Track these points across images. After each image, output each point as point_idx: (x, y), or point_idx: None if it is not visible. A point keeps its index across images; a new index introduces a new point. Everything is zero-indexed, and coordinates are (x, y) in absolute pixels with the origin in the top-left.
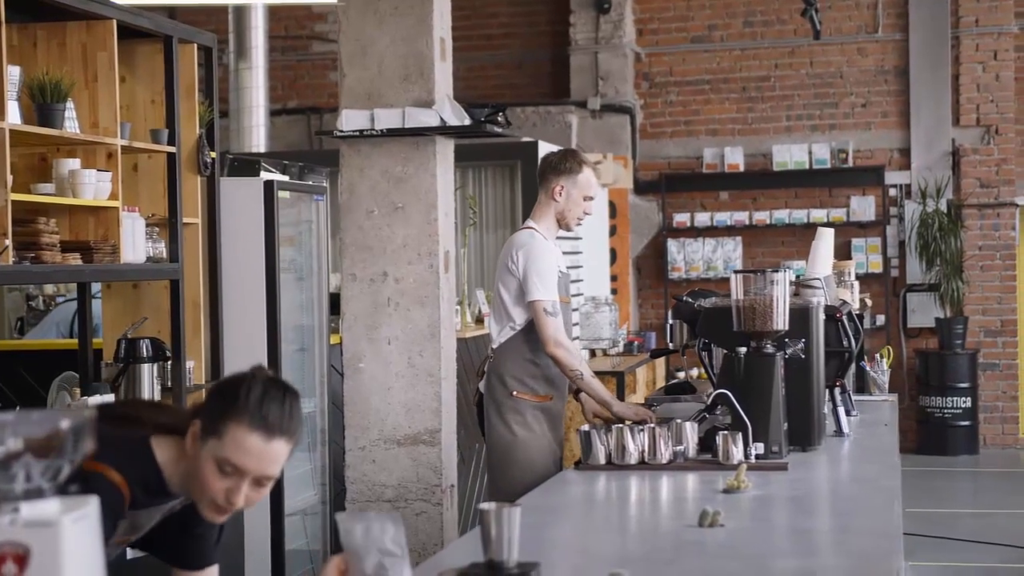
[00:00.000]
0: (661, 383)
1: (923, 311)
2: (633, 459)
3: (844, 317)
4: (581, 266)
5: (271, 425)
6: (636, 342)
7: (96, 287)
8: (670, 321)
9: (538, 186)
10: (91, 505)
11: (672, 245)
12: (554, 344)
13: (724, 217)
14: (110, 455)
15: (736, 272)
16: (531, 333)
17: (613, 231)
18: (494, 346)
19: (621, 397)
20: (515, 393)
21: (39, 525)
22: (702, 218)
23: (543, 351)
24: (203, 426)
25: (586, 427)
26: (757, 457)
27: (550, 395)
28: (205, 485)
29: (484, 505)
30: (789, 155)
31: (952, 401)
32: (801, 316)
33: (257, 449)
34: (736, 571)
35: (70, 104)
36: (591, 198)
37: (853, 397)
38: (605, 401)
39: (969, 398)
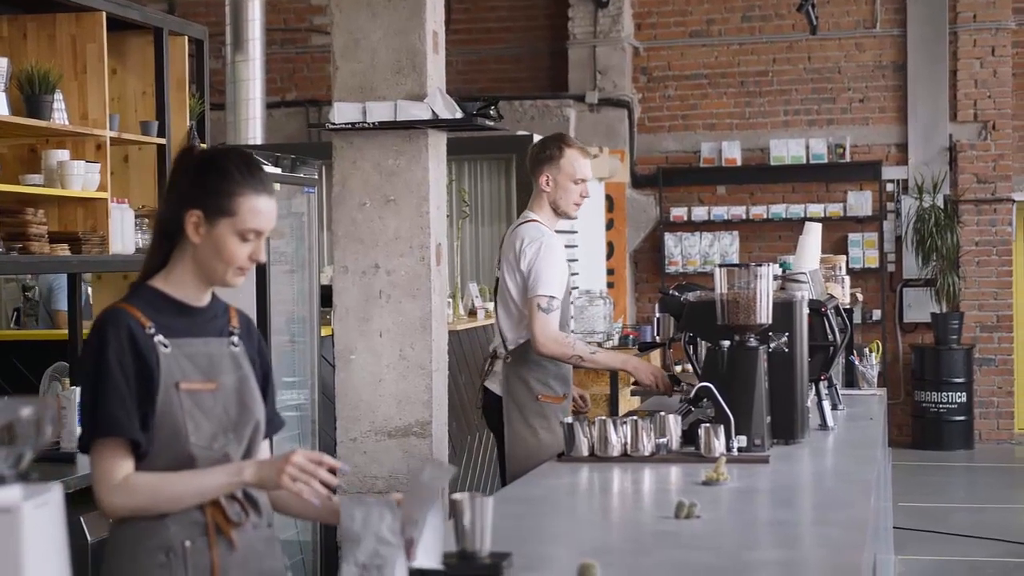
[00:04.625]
0: None
1: (919, 306)
2: (616, 451)
3: (830, 311)
4: (577, 259)
5: (267, 185)
6: (632, 336)
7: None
8: (657, 315)
9: (531, 179)
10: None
11: (669, 239)
12: (549, 341)
13: (721, 211)
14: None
15: (720, 266)
16: None
17: (610, 225)
18: (510, 346)
19: (615, 391)
20: (540, 397)
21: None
22: (699, 212)
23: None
24: (206, 213)
25: (569, 419)
26: (739, 450)
27: (565, 393)
28: (230, 258)
29: (457, 495)
30: (786, 150)
31: (947, 396)
32: (785, 310)
33: (267, 209)
34: (708, 562)
35: (58, 95)
36: (582, 180)
37: (842, 391)
38: (623, 369)
39: (964, 393)
